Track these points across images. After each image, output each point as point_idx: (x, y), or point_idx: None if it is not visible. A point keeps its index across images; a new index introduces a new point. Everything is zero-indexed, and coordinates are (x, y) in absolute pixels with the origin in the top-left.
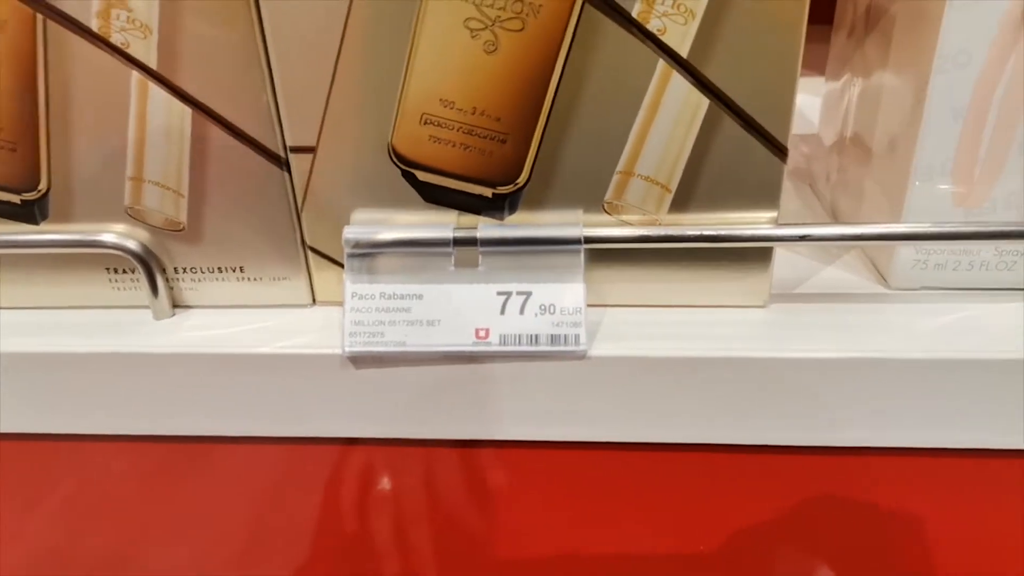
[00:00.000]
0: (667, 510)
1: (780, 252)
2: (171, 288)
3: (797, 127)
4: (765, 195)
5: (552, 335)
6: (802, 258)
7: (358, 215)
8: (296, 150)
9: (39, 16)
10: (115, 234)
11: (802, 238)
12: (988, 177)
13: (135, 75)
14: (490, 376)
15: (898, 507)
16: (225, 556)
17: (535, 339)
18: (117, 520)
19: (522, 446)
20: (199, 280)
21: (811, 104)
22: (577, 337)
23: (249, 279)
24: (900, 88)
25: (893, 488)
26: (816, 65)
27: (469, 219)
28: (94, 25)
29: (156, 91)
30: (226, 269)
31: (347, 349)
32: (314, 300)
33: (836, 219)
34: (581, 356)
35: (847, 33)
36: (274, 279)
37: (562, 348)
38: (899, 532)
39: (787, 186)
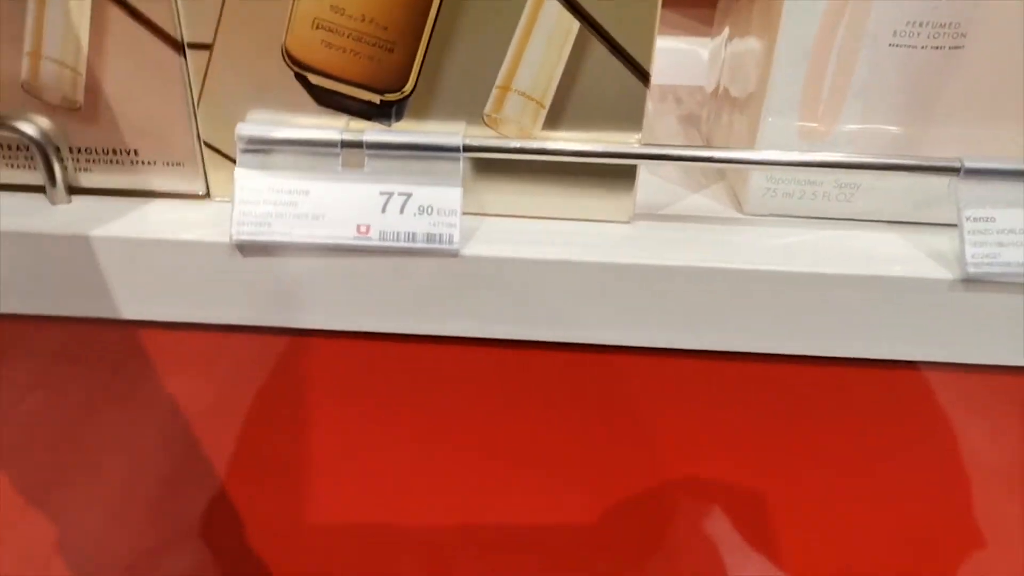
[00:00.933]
0: (526, 406)
1: (653, 178)
2: (65, 170)
3: (697, 79)
4: (630, 117)
5: (428, 234)
6: (672, 185)
7: (253, 115)
8: (193, 46)
9: None
10: (12, 117)
11: (661, 157)
12: (830, 116)
13: None
14: (369, 269)
15: (731, 406)
16: (104, 440)
17: (412, 236)
18: (6, 402)
19: (395, 339)
20: (94, 161)
21: None
22: (451, 236)
23: (144, 163)
24: (760, 33)
25: (735, 388)
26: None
27: (359, 124)
28: None
29: None
30: (120, 151)
31: (235, 237)
32: (209, 194)
33: None
34: (454, 254)
35: None
36: (168, 164)
37: (436, 246)
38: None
39: (679, 129)
